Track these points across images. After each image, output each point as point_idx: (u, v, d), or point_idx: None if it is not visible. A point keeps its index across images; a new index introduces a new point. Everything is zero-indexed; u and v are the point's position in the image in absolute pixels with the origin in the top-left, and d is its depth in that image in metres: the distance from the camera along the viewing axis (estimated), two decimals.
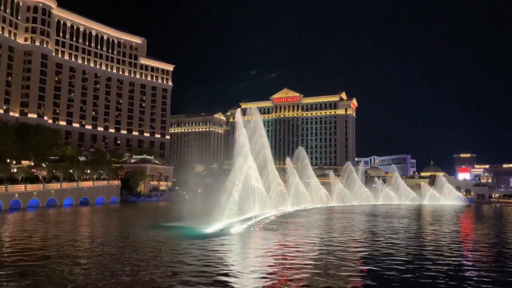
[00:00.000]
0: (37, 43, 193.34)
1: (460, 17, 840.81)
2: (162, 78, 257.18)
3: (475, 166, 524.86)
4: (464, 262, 38.09)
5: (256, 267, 33.26)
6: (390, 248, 43.56)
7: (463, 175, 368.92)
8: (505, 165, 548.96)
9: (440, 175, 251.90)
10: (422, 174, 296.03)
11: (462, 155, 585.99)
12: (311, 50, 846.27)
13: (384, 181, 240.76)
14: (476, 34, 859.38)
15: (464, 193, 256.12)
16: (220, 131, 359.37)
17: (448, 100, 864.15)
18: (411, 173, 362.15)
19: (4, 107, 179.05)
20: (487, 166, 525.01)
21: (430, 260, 37.36)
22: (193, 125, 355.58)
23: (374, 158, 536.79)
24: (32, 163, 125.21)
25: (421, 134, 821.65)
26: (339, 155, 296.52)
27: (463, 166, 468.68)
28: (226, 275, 29.63)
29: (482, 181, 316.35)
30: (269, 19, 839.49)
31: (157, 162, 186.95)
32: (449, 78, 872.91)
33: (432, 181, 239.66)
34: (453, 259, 38.41)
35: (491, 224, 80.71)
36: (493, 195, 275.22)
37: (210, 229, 54.75)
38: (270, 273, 30.55)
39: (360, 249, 43.57)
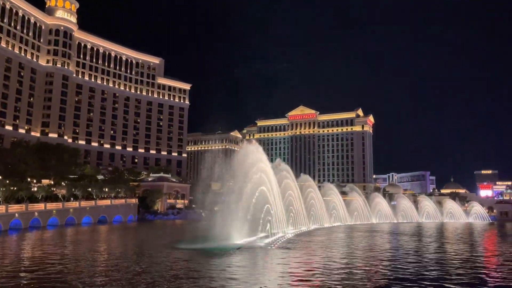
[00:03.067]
0: (59, 65, 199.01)
1: (477, 28, 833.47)
2: (179, 97, 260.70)
3: (497, 182, 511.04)
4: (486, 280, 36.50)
5: (271, 286, 32.51)
6: (415, 267, 42.19)
7: (485, 192, 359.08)
8: None
9: (461, 192, 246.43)
10: (442, 191, 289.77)
11: (484, 172, 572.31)
12: (327, 66, 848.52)
13: (403, 198, 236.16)
14: (496, 45, 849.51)
15: (487, 210, 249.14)
16: (236, 148, 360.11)
17: (468, 115, 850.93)
18: (431, 190, 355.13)
19: (26, 127, 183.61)
20: (509, 183, 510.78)
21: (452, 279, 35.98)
22: (210, 143, 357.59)
23: (392, 175, 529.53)
24: (52, 182, 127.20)
25: (440, 151, 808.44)
26: (356, 172, 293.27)
27: (485, 183, 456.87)
28: None
29: (505, 198, 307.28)
30: (285, 37, 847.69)
31: (174, 180, 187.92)
32: (467, 93, 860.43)
33: (453, 198, 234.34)
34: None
35: None
36: None
37: (226, 247, 54.14)
38: None
39: (380, 269, 42.33)
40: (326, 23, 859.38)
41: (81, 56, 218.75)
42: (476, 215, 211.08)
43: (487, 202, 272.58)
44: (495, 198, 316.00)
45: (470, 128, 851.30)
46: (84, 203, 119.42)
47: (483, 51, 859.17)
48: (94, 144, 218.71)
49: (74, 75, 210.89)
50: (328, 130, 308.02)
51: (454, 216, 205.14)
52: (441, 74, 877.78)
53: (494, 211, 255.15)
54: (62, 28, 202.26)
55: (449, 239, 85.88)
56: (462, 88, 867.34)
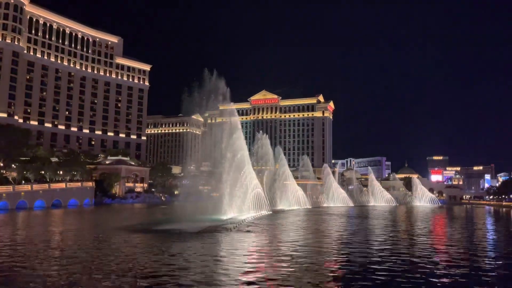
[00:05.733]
0: (8, 41, 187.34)
1: (434, 23, 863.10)
2: (139, 78, 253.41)
3: (447, 168, 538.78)
4: (436, 260, 38.49)
5: (230, 268, 32.69)
6: (366, 248, 43.76)
7: (436, 177, 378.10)
8: (475, 168, 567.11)
9: (414, 177, 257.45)
10: (397, 176, 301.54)
11: (435, 158, 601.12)
12: (289, 52, 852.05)
13: (360, 183, 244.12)
14: (447, 38, 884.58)
15: (437, 194, 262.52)
16: (197, 132, 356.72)
17: (421, 104, 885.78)
18: (386, 175, 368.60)
19: None
20: (458, 169, 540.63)
21: (405, 260, 37.64)
22: (170, 126, 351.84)
23: (350, 160, 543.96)
24: (1, 164, 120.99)
25: (396, 137, 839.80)
26: (316, 157, 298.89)
27: (436, 169, 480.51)
28: (198, 275, 28.97)
29: (454, 183, 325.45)
30: (248, 20, 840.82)
31: (132, 163, 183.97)
32: (421, 83, 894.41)
33: (407, 183, 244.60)
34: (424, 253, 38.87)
35: (463, 224, 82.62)
36: (464, 196, 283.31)
37: (187, 230, 53.82)
38: (244, 274, 30.06)
39: (336, 250, 43.60)
40: (292, 13, 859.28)
41: (33, 32, 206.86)
42: (427, 199, 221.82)
43: (438, 186, 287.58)
44: (445, 183, 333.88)
45: (424, 116, 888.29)
46: (36, 187, 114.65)
47: (437, 46, 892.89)
48: (48, 125, 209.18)
49: (25, 51, 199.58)
50: (289, 115, 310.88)
51: (406, 200, 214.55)
52: (396, 67, 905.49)
53: (444, 195, 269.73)
54: (12, 1, 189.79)
55: (399, 221, 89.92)
56: (416, 80, 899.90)
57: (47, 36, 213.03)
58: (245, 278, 29.15)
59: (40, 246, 43.20)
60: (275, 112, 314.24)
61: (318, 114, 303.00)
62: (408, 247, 46.54)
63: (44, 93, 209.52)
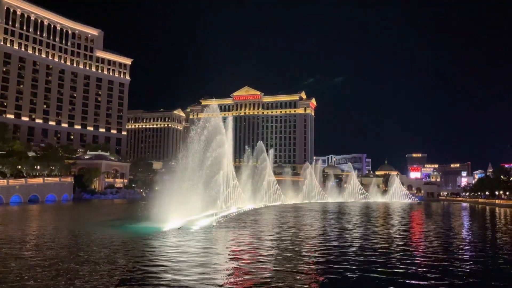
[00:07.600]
0: None
1: (417, 23, 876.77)
2: (120, 72, 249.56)
3: (426, 165, 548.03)
4: (411, 253, 39.31)
5: (210, 263, 32.70)
6: (344, 242, 44.36)
7: (415, 174, 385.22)
8: (452, 165, 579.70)
9: (394, 174, 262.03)
10: (377, 173, 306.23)
11: (414, 155, 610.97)
12: (271, 49, 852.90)
13: (341, 179, 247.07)
14: (427, 37, 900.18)
15: (416, 191, 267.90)
16: (179, 127, 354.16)
17: (401, 102, 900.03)
18: (367, 172, 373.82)
19: None
20: (436, 166, 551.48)
21: (380, 252, 38.30)
22: (151, 121, 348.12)
23: (331, 157, 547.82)
24: None
25: (376, 134, 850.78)
26: (298, 154, 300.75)
27: (415, 166, 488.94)
28: (177, 272, 28.88)
29: (432, 180, 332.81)
30: (231, 16, 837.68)
31: (112, 158, 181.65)
32: (402, 82, 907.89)
33: (386, 179, 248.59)
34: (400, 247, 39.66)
35: (439, 220, 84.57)
36: (441, 193, 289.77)
37: (167, 227, 53.46)
38: (225, 269, 30.12)
39: (315, 245, 44.06)
40: (275, 10, 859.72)
41: (10, 23, 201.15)
42: (406, 196, 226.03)
43: (416, 183, 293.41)
44: (423, 179, 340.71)
45: (403, 114, 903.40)
46: (13, 181, 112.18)
47: (417, 46, 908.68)
48: (25, 118, 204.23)
49: (2, 43, 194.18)
50: (272, 112, 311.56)
51: (385, 196, 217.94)
52: (377, 65, 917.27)
53: (422, 191, 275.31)
54: None
55: (378, 217, 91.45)
56: (396, 79, 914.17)
57: (24, 28, 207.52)
58: (225, 276, 29.20)
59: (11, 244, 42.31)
60: (258, 108, 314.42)
61: (300, 110, 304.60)
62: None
63: (21, 86, 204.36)
